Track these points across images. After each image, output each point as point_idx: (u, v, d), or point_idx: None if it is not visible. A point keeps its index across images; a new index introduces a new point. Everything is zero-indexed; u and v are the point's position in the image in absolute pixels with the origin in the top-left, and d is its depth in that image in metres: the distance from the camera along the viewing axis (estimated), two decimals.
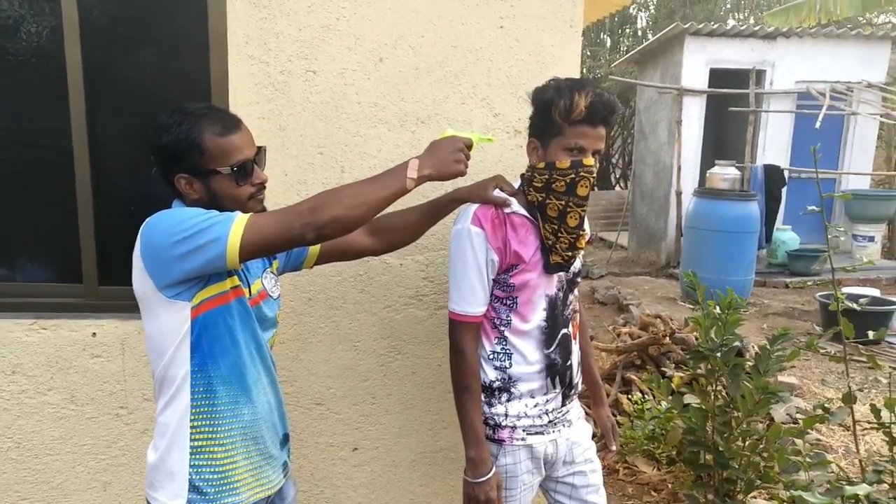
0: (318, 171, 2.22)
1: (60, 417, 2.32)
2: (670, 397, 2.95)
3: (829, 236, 1.98)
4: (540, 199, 1.73)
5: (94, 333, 2.28)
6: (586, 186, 1.70)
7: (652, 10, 17.95)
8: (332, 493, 2.44)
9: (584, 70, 16.61)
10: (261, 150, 1.61)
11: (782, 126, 9.46)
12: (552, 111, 1.67)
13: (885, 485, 2.10)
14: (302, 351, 2.31)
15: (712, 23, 9.84)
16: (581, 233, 1.76)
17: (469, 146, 1.63)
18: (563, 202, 1.71)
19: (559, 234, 1.74)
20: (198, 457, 1.53)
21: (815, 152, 1.93)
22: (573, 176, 1.68)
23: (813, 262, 8.19)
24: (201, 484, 1.53)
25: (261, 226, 1.42)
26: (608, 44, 17.81)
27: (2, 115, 2.31)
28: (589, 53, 17.18)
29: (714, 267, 6.83)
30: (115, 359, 2.30)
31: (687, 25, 9.16)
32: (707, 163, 8.69)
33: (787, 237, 8.74)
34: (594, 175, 1.71)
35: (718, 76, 9.32)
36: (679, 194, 9.15)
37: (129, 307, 2.29)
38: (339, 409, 2.38)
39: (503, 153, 2.23)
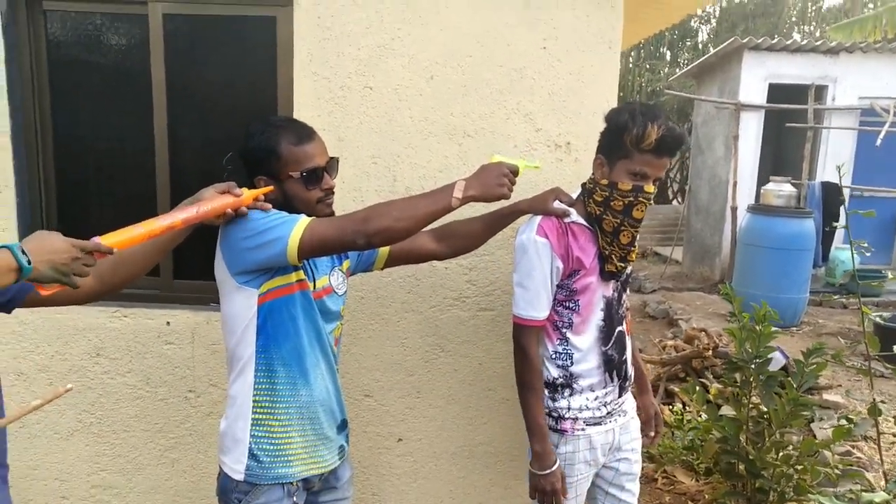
0: (372, 179, 2.41)
1: (136, 397, 2.57)
2: (705, 406, 3.03)
3: (854, 252, 2.06)
4: (598, 212, 1.87)
5: (168, 322, 2.52)
6: (642, 210, 1.83)
7: (713, 24, 17.74)
8: (376, 481, 2.61)
9: (643, 83, 16.53)
10: (332, 161, 1.80)
11: (844, 143, 9.28)
12: (623, 135, 1.78)
13: None
14: (353, 345, 2.50)
15: (772, 37, 9.73)
16: (632, 248, 1.90)
17: (515, 172, 1.76)
18: (618, 220, 1.85)
19: (612, 247, 1.88)
20: (258, 428, 1.73)
21: (839, 169, 2.01)
22: (631, 199, 1.81)
23: (875, 282, 8.00)
24: (259, 453, 1.73)
25: (318, 230, 1.61)
26: (668, 57, 17.68)
27: (93, 124, 2.58)
28: (648, 66, 17.09)
29: (767, 284, 6.78)
30: (186, 346, 2.53)
31: (746, 40, 9.10)
32: (764, 179, 8.59)
33: (846, 256, 8.56)
34: (651, 201, 1.85)
35: (778, 91, 9.22)
36: (734, 210, 9.07)
37: (199, 299, 2.54)
38: (386, 401, 2.55)
39: (544, 165, 2.37)
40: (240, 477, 1.73)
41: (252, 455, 1.73)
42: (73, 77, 2.56)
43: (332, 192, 1.81)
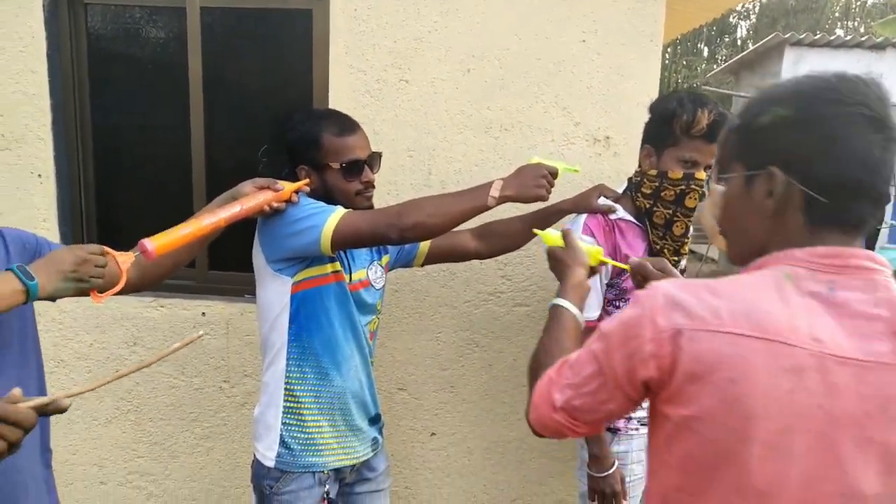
0: (407, 173, 2.40)
1: (172, 387, 2.60)
2: None
3: None
4: (648, 205, 1.82)
5: (204, 313, 2.54)
6: (695, 199, 1.78)
7: (753, 20, 17.40)
8: (409, 474, 2.61)
9: (679, 80, 16.31)
10: (374, 155, 1.81)
11: None
12: (672, 122, 1.74)
13: None
14: (388, 339, 2.49)
15: (815, 33, 9.51)
16: (685, 240, 1.85)
17: (554, 174, 1.72)
18: (670, 211, 1.80)
19: (664, 241, 1.83)
20: (288, 416, 1.76)
21: None
22: (683, 187, 1.77)
23: None
24: (290, 440, 1.75)
25: (352, 221, 1.62)
26: (705, 53, 17.40)
27: (130, 116, 2.62)
28: (685, 63, 16.84)
29: None
30: (221, 336, 2.55)
31: (787, 35, 8.91)
32: None
33: (891, 256, 8.32)
34: (703, 189, 1.79)
35: None
36: None
37: (234, 291, 2.56)
38: (419, 395, 2.54)
39: (583, 160, 2.33)
40: (271, 464, 1.76)
41: (283, 442, 1.76)
42: (111, 70, 2.59)
43: (372, 186, 1.82)
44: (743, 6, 16.88)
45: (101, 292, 1.37)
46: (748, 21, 17.63)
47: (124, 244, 1.48)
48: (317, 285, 1.72)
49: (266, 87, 2.57)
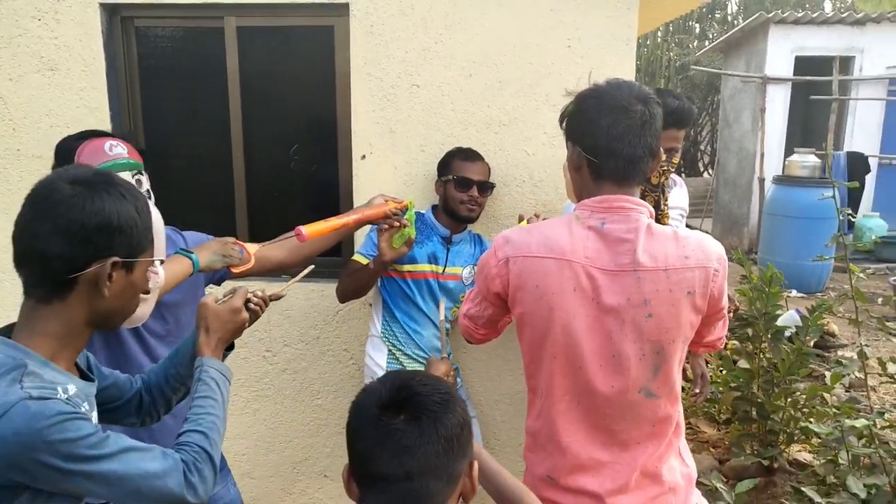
0: (420, 165, 2.77)
1: None
2: (720, 360, 3.37)
3: (858, 221, 2.37)
4: None
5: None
6: (656, 178, 2.16)
7: None
8: None
9: (671, 56, 16.55)
10: (485, 183, 2.50)
11: (872, 113, 9.39)
12: None
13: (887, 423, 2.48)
14: None
15: (801, 9, 9.81)
16: (658, 213, 2.21)
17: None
18: (643, 187, 2.16)
19: None
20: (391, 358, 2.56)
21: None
22: None
23: None
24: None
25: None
26: (696, 31, 17.63)
27: (176, 124, 3.00)
28: (676, 41, 17.07)
29: (791, 252, 7.04)
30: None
31: (771, 14, 9.23)
32: (792, 151, 8.77)
33: (874, 224, 8.71)
34: (662, 169, 2.14)
35: (806, 63, 9.33)
36: (762, 181, 9.26)
37: (272, 274, 2.93)
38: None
39: None
40: None
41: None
42: (158, 84, 2.96)
43: (476, 203, 2.48)
44: None
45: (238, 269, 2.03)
46: None
47: None
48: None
49: (296, 94, 2.95)
